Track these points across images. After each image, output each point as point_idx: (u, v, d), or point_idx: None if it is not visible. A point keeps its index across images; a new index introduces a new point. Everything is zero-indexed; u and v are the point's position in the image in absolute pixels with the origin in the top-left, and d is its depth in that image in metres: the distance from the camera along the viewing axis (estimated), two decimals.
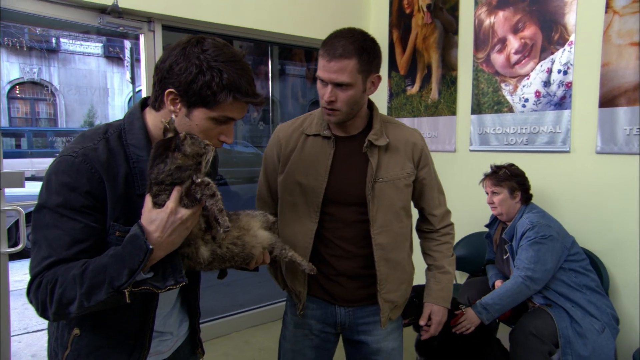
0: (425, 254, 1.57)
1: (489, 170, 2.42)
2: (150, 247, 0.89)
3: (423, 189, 1.50)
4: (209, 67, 0.94)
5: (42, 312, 0.93)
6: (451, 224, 1.59)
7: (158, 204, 0.92)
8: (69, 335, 1.03)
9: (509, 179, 2.29)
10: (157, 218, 0.91)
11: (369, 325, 1.47)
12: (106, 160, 0.97)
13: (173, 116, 0.96)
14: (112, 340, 1.03)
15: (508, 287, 2.11)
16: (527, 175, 2.38)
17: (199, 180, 0.93)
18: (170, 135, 0.93)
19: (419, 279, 1.63)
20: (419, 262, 1.60)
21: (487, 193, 2.36)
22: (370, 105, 1.48)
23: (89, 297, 0.89)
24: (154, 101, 1.02)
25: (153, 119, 1.04)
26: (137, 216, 0.96)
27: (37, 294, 0.92)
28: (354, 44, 1.28)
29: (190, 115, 0.97)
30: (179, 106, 0.98)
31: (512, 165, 2.38)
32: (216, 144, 1.02)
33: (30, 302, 0.95)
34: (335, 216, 1.41)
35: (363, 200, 1.39)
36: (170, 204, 0.91)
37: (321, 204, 1.40)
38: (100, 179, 0.95)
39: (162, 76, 0.97)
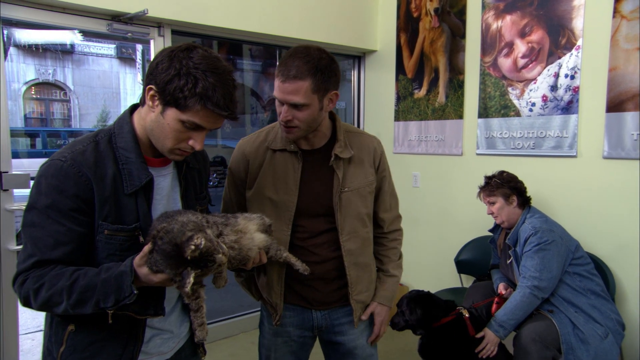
0: (375, 257, 1.61)
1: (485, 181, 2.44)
2: (135, 292, 0.96)
3: (378, 192, 1.55)
4: (186, 73, 0.98)
5: (24, 305, 1.03)
6: (399, 230, 1.63)
7: (151, 260, 0.96)
8: (63, 331, 1.08)
9: (500, 187, 2.32)
10: (147, 272, 0.97)
11: (344, 326, 1.52)
12: (94, 163, 1.03)
13: (202, 241, 0.93)
14: (106, 334, 1.07)
15: (518, 300, 2.12)
16: (521, 178, 2.40)
17: (187, 289, 0.93)
18: (194, 253, 0.93)
19: None
20: None
21: (486, 205, 2.39)
22: (333, 117, 1.50)
23: (74, 307, 0.98)
24: (141, 95, 1.07)
25: (139, 119, 1.09)
26: (125, 215, 1.03)
27: (21, 290, 1.00)
28: (307, 64, 1.28)
29: (164, 113, 1.02)
30: (156, 103, 1.02)
31: (503, 172, 2.41)
32: (185, 147, 1.06)
33: (15, 292, 1.03)
34: (306, 227, 1.45)
35: (331, 211, 1.43)
36: (162, 277, 0.97)
37: (293, 217, 1.42)
38: (87, 181, 1.01)
39: (149, 72, 1.03)
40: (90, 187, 1.01)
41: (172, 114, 1.01)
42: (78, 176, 1.00)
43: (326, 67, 1.31)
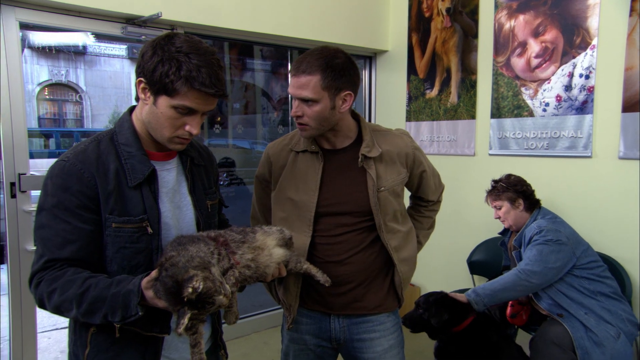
0: (410, 216, 1.64)
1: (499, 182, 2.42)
2: (140, 313, 0.97)
3: (422, 182, 1.57)
4: (169, 58, 1.00)
5: (40, 306, 1.05)
6: (439, 202, 1.69)
7: (155, 287, 0.96)
8: (87, 333, 1.10)
9: (506, 190, 2.31)
10: (153, 297, 0.97)
11: (365, 342, 1.47)
12: (95, 159, 1.06)
13: (200, 285, 0.92)
14: (127, 333, 1.08)
15: (504, 277, 2.13)
16: (534, 179, 2.37)
17: (180, 330, 0.92)
18: (191, 296, 0.91)
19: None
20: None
21: (493, 209, 2.38)
22: (357, 117, 1.49)
23: (84, 316, 1.00)
24: (135, 91, 1.09)
25: (137, 115, 1.11)
26: (131, 208, 1.05)
27: (36, 292, 1.03)
28: (319, 60, 1.29)
29: (156, 103, 1.04)
30: (148, 94, 1.04)
31: (509, 175, 2.38)
32: (183, 134, 1.07)
33: (31, 292, 1.05)
34: (329, 228, 1.43)
35: (364, 209, 1.41)
36: (165, 304, 0.97)
37: (314, 218, 1.41)
38: (90, 177, 1.04)
39: (137, 66, 1.05)
40: (94, 183, 1.03)
41: (163, 101, 1.03)
42: (80, 173, 1.03)
43: (339, 65, 1.31)
